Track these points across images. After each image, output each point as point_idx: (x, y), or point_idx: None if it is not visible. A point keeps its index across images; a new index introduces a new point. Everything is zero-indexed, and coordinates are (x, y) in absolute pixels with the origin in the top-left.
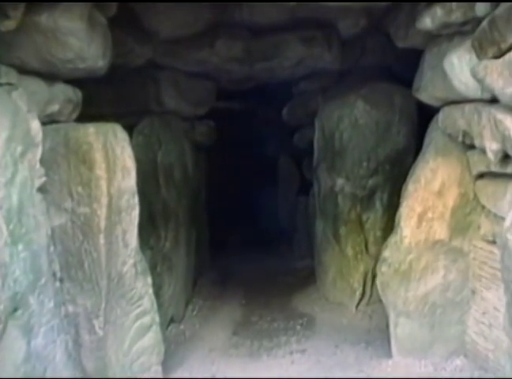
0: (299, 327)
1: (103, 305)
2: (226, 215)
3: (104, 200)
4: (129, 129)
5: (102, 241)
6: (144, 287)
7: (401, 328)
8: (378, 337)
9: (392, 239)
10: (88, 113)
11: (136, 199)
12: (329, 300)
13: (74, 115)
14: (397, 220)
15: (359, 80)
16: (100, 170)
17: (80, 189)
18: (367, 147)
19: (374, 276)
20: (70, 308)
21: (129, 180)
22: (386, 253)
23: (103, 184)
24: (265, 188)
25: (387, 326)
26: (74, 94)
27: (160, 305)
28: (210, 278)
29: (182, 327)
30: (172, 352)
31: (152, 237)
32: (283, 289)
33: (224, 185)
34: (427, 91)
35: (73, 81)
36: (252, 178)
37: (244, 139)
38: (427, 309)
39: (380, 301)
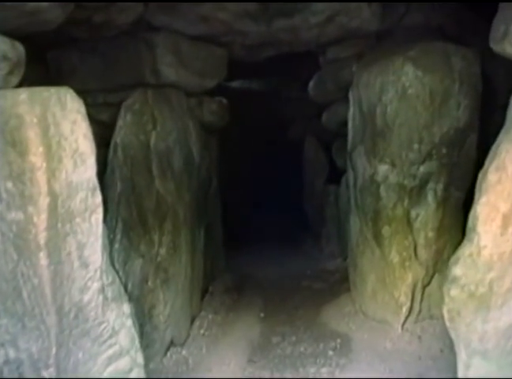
0: (331, 352)
1: (53, 351)
2: (244, 208)
3: (43, 202)
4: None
5: (43, 261)
6: (118, 318)
7: (475, 372)
8: (432, 368)
9: (465, 250)
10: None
11: (98, 198)
12: (368, 316)
13: (15, 79)
14: (470, 223)
15: (405, 41)
16: (36, 157)
17: (9, 184)
18: (418, 124)
19: (424, 287)
20: (11, 353)
21: (84, 171)
22: (458, 271)
23: (41, 177)
24: (288, 176)
25: (441, 351)
26: (12, 49)
27: (154, 328)
28: (224, 283)
29: (184, 352)
30: None
31: (143, 242)
32: (310, 298)
33: (241, 174)
34: None
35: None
36: (273, 166)
37: (263, 120)
38: (510, 346)
39: (430, 317)
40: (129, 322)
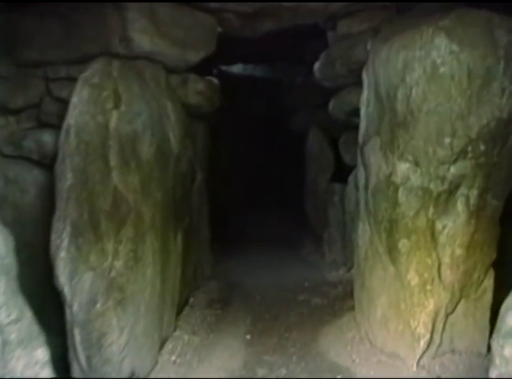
0: None
1: None
2: (237, 208)
3: None
4: None
5: None
6: (28, 369)
7: None
8: None
9: None
10: (28, 59)
11: None
12: (376, 346)
13: None
14: None
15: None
16: None
17: None
18: (451, 112)
19: (447, 316)
20: None
21: None
22: None
23: None
24: (289, 172)
25: None
26: None
27: (105, 361)
28: (208, 294)
29: None
30: None
31: (94, 252)
32: (306, 316)
33: (236, 168)
34: None
35: None
36: (273, 160)
37: (264, 108)
38: None
39: (452, 351)
40: (45, 372)
